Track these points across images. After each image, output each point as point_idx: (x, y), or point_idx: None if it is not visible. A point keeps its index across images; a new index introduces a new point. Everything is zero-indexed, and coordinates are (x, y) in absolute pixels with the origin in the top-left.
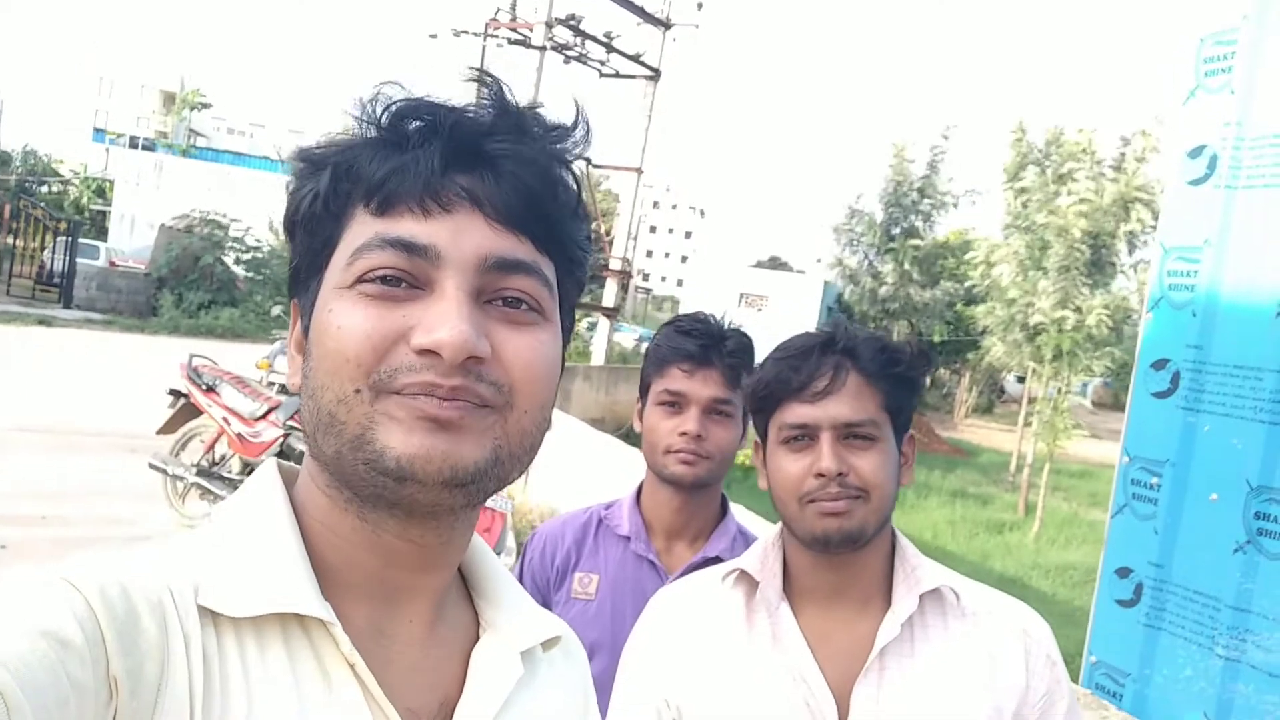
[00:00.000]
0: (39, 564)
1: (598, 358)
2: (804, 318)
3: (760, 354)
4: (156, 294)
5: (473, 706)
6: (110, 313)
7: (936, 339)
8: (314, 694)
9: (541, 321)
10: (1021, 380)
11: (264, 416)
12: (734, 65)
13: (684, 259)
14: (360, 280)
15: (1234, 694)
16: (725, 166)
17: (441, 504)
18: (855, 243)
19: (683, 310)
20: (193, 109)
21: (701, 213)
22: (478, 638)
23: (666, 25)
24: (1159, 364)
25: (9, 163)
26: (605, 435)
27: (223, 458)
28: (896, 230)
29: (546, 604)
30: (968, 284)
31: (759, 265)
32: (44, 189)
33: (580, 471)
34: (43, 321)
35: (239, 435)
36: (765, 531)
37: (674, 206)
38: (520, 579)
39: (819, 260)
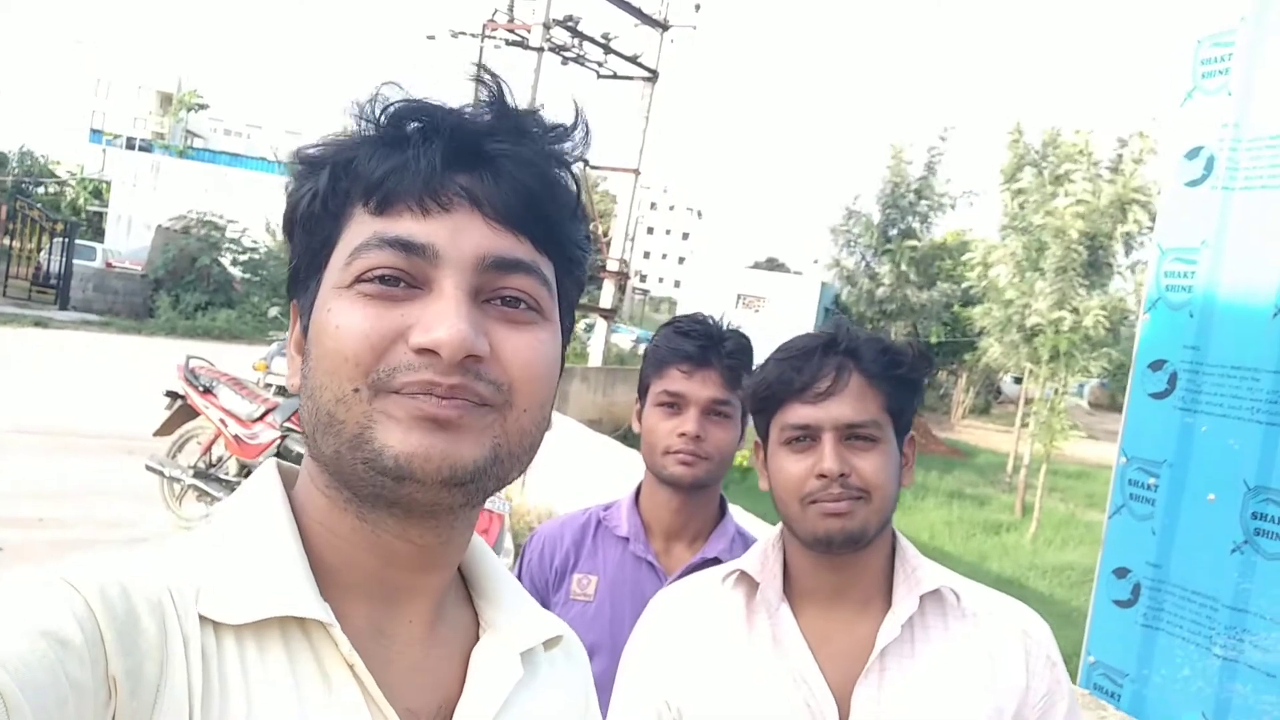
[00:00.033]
0: (38, 565)
1: (595, 359)
2: (801, 319)
3: (758, 355)
4: (153, 295)
5: (472, 707)
6: (107, 314)
7: (933, 340)
8: (313, 695)
9: (540, 321)
10: (1018, 381)
11: (261, 418)
12: (731, 67)
13: (681, 260)
14: (359, 280)
15: (1232, 694)
16: (722, 168)
17: (440, 503)
18: (853, 244)
19: (680, 312)
20: (189, 110)
21: (699, 214)
22: (478, 638)
23: (664, 27)
24: (1156, 365)
25: (5, 164)
26: (602, 436)
27: (220, 459)
28: (894, 231)
29: (545, 605)
30: (965, 285)
31: (756, 266)
32: (40, 190)
33: (578, 473)
34: (39, 323)
35: (236, 437)
36: (763, 532)
37: (671, 208)
38: (518, 580)
39: (816, 261)
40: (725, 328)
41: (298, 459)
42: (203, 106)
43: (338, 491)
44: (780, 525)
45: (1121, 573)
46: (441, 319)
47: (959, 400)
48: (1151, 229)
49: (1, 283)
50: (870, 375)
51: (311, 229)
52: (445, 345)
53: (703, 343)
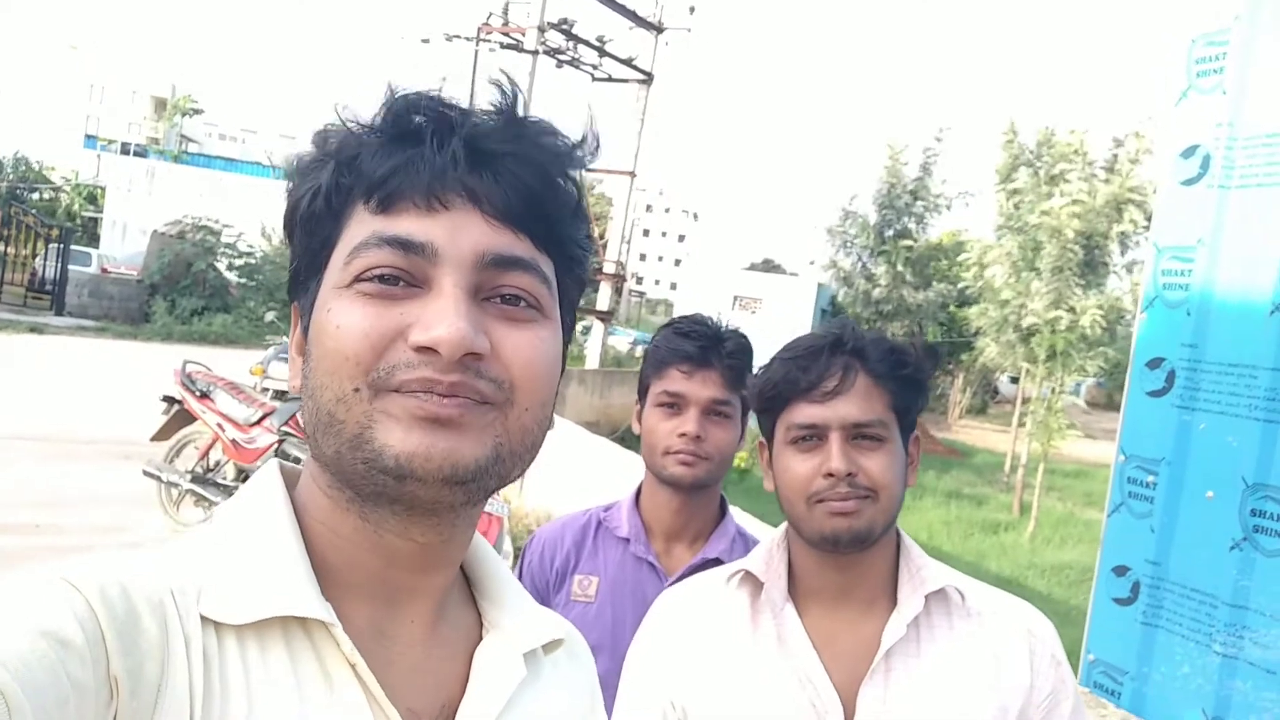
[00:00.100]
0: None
1: (592, 361)
2: (798, 320)
3: (755, 357)
4: (149, 300)
5: (475, 707)
6: (103, 320)
7: (930, 340)
8: (315, 695)
9: (541, 319)
10: (1015, 381)
11: (258, 422)
12: (726, 69)
13: (677, 262)
14: (358, 279)
15: (1232, 691)
16: (718, 169)
17: (442, 501)
18: (849, 245)
19: (676, 314)
20: (184, 115)
21: (695, 216)
22: (480, 638)
23: (659, 29)
24: (1154, 363)
25: (0, 170)
26: (600, 438)
27: (217, 464)
28: (890, 232)
29: (546, 606)
30: (961, 285)
31: (752, 268)
32: (35, 196)
33: (576, 475)
34: (35, 329)
35: (233, 441)
36: (763, 533)
37: (667, 210)
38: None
39: (812, 263)
40: (725, 328)
41: (295, 463)
42: (197, 111)
43: (340, 492)
44: (785, 525)
45: (1121, 570)
46: (441, 317)
47: (956, 400)
48: (1147, 228)
49: None
50: (876, 375)
51: (311, 229)
52: (445, 343)
53: (703, 343)
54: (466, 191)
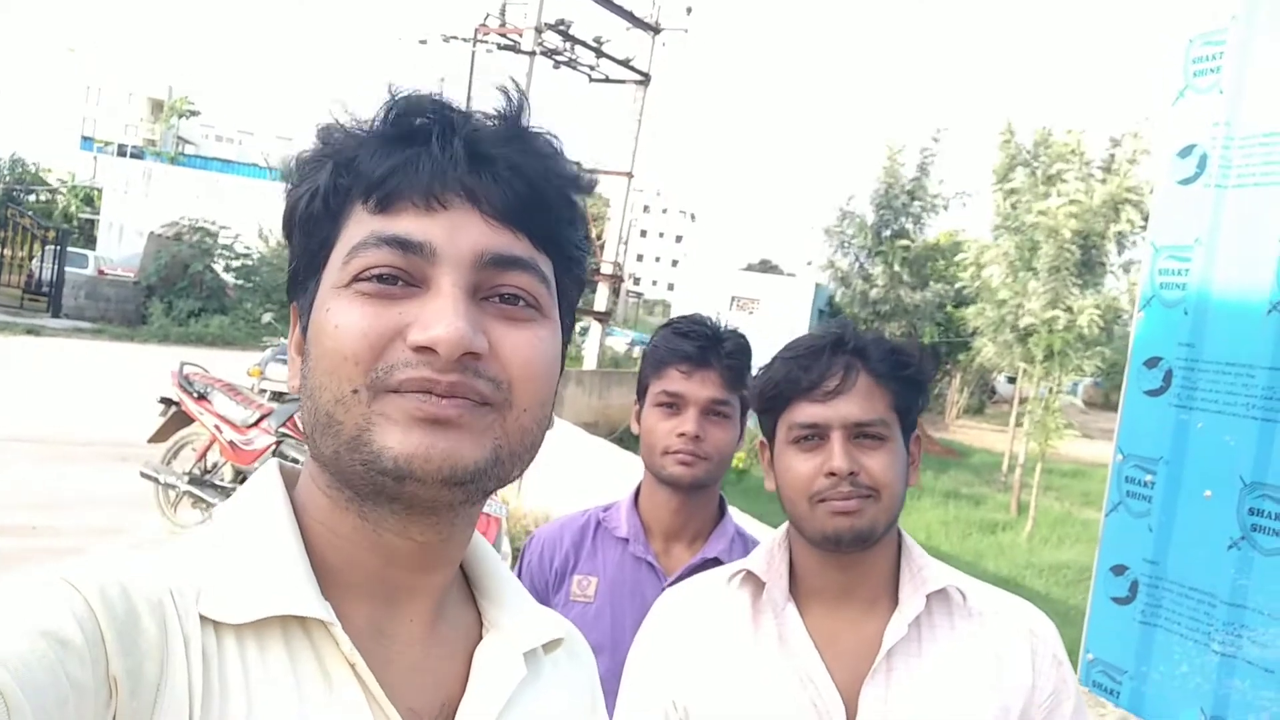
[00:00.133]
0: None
1: (590, 362)
2: (795, 320)
3: (753, 357)
4: (146, 302)
5: (475, 706)
6: (99, 321)
7: (927, 341)
8: (314, 694)
9: (539, 318)
10: (1012, 381)
11: (256, 424)
12: (723, 69)
13: (675, 263)
14: (356, 279)
15: (1230, 689)
16: (715, 170)
17: (441, 500)
18: (846, 245)
19: (674, 314)
20: (181, 116)
21: (692, 216)
22: (480, 637)
23: (656, 30)
24: (1151, 362)
25: None
26: (599, 439)
27: (215, 466)
28: (887, 232)
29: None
30: (958, 285)
31: (750, 268)
32: (32, 198)
33: (574, 476)
34: (31, 331)
35: (231, 443)
36: (760, 533)
37: (664, 210)
38: None
39: (810, 263)
40: (724, 328)
41: (294, 464)
42: (194, 113)
43: (339, 491)
44: (786, 525)
45: (1119, 570)
46: (439, 317)
47: (953, 400)
48: (1144, 228)
49: None
50: (877, 374)
51: (310, 229)
52: (443, 343)
53: (702, 343)
54: (465, 191)
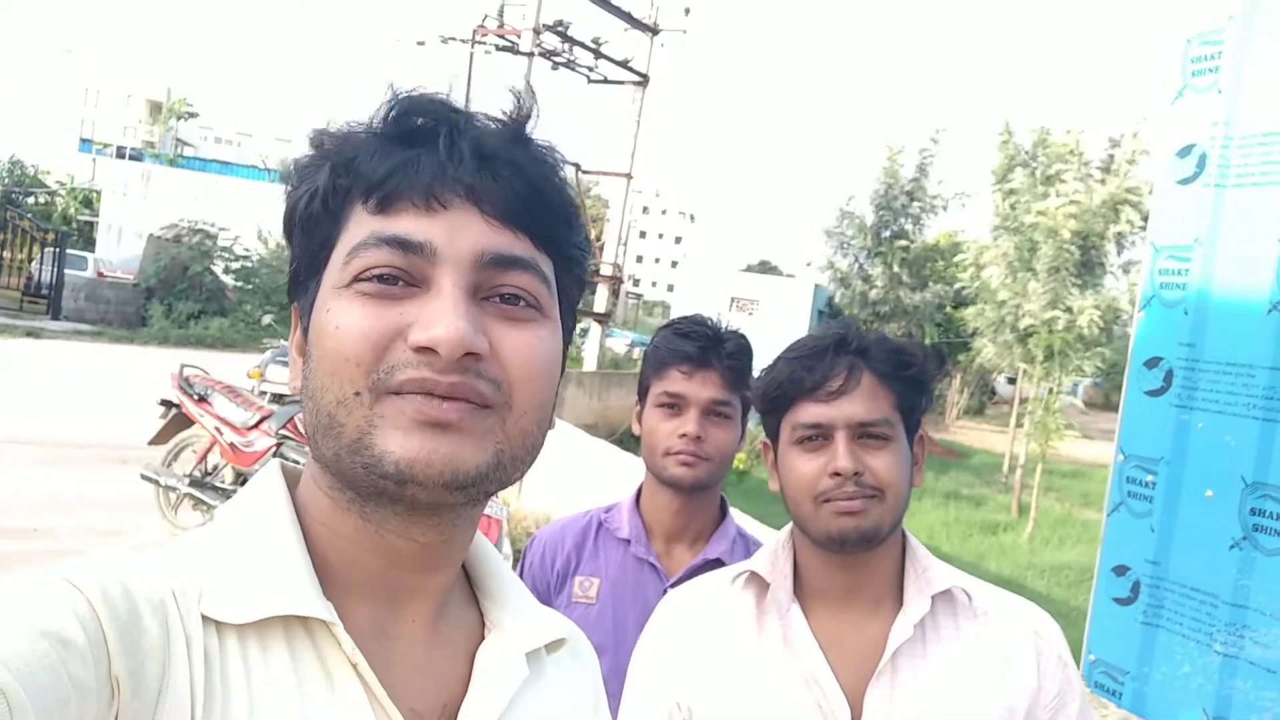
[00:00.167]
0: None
1: (589, 363)
2: (795, 321)
3: (753, 358)
4: (145, 304)
5: (477, 706)
6: (99, 323)
7: (927, 341)
8: (316, 694)
9: (540, 318)
10: (1012, 381)
11: (256, 426)
12: (722, 70)
13: (674, 264)
14: (357, 279)
15: (1232, 690)
16: (714, 171)
17: (442, 502)
18: (846, 246)
19: (673, 315)
20: (179, 118)
21: (691, 217)
22: (483, 638)
23: (654, 31)
24: (1151, 362)
25: None
26: (599, 441)
27: (215, 468)
28: (886, 233)
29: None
30: (957, 286)
31: (749, 269)
32: (31, 200)
33: (574, 478)
34: (31, 333)
35: (231, 445)
36: (761, 534)
37: (664, 211)
38: None
39: (809, 264)
40: (724, 329)
41: (294, 465)
42: (193, 115)
43: (341, 492)
44: (790, 526)
45: (1120, 570)
46: (440, 317)
47: (953, 401)
48: (1144, 228)
49: None
50: (881, 374)
51: (310, 230)
52: (444, 343)
53: (703, 344)
54: (466, 191)
